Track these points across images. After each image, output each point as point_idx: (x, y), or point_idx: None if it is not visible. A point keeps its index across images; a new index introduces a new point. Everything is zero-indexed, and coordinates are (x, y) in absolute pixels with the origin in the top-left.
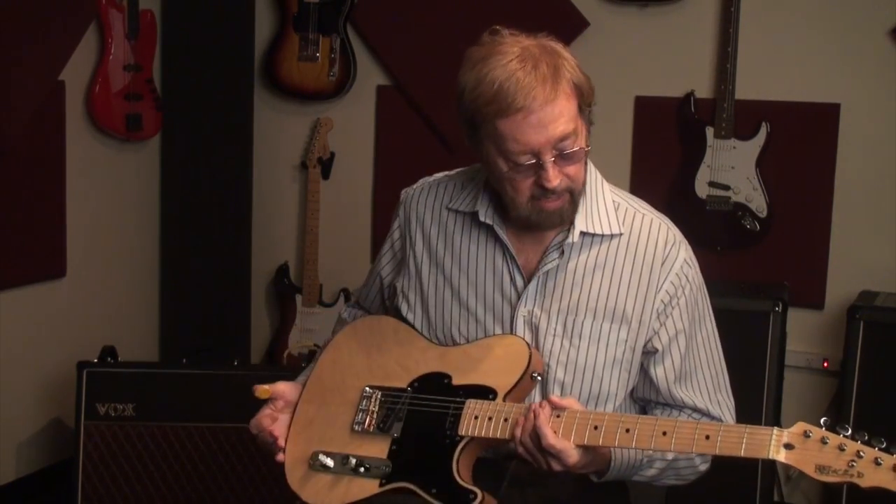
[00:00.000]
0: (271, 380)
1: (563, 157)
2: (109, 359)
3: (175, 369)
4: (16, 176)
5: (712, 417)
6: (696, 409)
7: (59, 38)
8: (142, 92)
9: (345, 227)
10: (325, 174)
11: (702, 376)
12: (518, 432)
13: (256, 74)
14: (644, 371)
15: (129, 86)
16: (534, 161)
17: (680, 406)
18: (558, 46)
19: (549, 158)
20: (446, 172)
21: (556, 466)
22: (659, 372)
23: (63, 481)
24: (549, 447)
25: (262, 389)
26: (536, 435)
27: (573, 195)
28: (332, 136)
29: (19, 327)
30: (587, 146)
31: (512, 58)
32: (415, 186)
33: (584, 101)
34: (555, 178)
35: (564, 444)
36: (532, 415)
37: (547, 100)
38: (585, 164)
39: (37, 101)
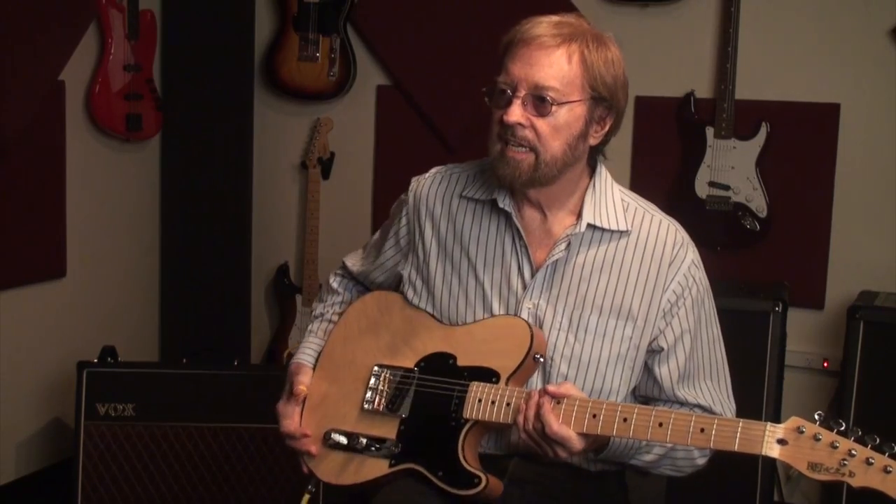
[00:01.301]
0: (270, 379)
1: (535, 105)
2: (109, 359)
3: (175, 369)
4: (16, 176)
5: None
6: (698, 407)
7: (59, 38)
8: (142, 92)
9: (345, 227)
10: (325, 174)
11: (705, 377)
12: (521, 420)
13: (256, 75)
14: (648, 370)
15: (129, 86)
16: (508, 92)
17: (682, 404)
18: (608, 40)
19: (519, 94)
20: (457, 164)
21: (562, 454)
22: (663, 371)
23: (63, 481)
24: (553, 435)
25: (301, 389)
26: (540, 423)
27: (538, 160)
28: (332, 136)
29: (19, 327)
30: (586, 132)
31: (555, 16)
32: (426, 175)
33: (595, 88)
34: (514, 115)
35: (568, 431)
36: (534, 403)
37: (545, 45)
38: (573, 149)
39: (37, 101)
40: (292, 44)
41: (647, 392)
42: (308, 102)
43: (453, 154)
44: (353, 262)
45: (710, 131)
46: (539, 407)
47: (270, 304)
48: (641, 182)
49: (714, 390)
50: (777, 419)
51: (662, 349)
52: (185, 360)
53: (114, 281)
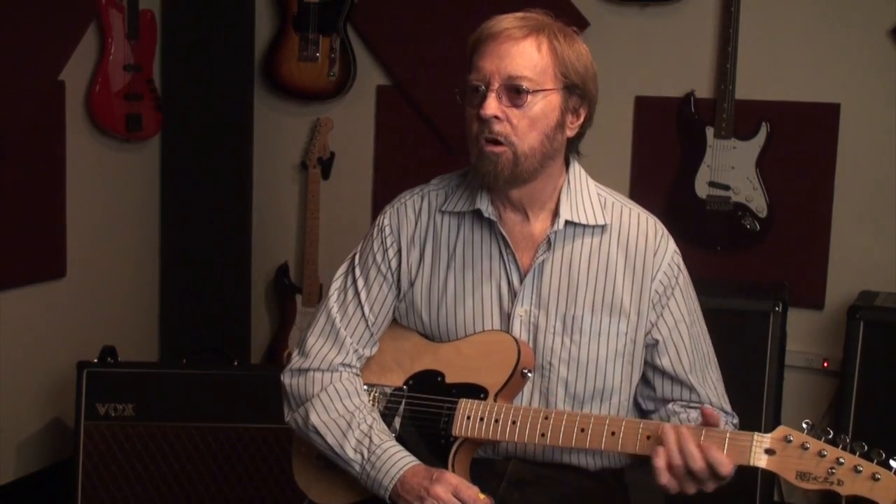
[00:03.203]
0: (270, 379)
1: (510, 96)
2: (109, 359)
3: (175, 369)
4: (16, 176)
5: (727, 414)
6: (709, 403)
7: (59, 38)
8: (142, 92)
9: (345, 227)
10: (325, 174)
11: (708, 367)
12: (689, 462)
13: (256, 74)
14: (651, 367)
15: (129, 86)
16: (482, 89)
17: (694, 400)
18: (574, 33)
19: (493, 87)
20: (424, 184)
21: (712, 486)
22: (665, 362)
23: (63, 481)
24: (729, 475)
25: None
26: (710, 464)
27: (516, 154)
28: (332, 136)
29: (19, 327)
30: (562, 122)
31: (520, 12)
32: (400, 201)
33: (567, 76)
34: (489, 108)
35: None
36: (705, 447)
37: (513, 37)
38: (551, 141)
39: (37, 101)
40: (292, 44)
41: (647, 403)
42: (308, 102)
43: (453, 154)
44: (345, 354)
45: (710, 131)
46: (707, 450)
47: (270, 304)
48: (641, 182)
49: (717, 380)
50: (777, 419)
51: (657, 341)
52: (185, 361)
53: (114, 281)
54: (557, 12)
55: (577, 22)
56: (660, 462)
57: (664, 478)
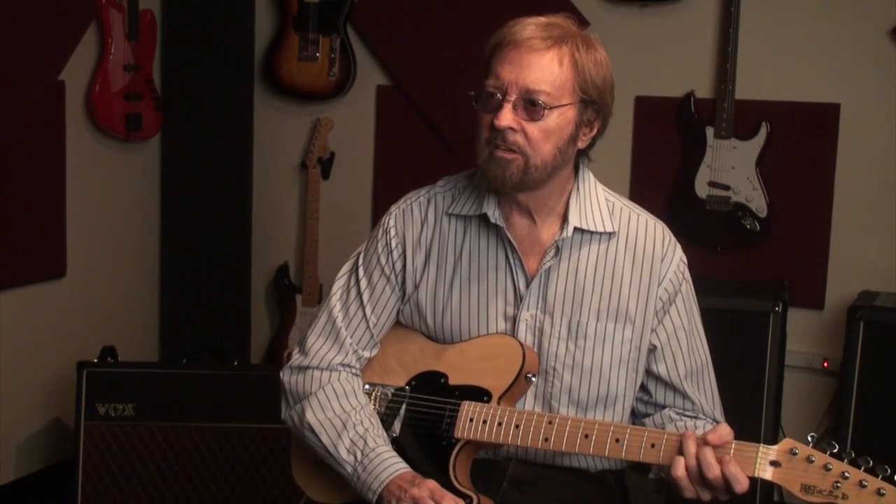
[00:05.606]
0: (270, 379)
1: (526, 109)
2: (109, 359)
3: (175, 369)
4: (16, 176)
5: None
6: (702, 412)
7: (59, 38)
8: (142, 92)
9: (345, 227)
10: (325, 174)
11: (704, 376)
12: (704, 470)
13: (256, 74)
14: (647, 372)
15: (129, 86)
16: (498, 96)
17: (688, 408)
18: (595, 42)
19: (510, 97)
20: (431, 185)
21: (725, 497)
22: (661, 368)
23: (63, 481)
24: (743, 491)
25: None
26: (728, 482)
27: (527, 164)
28: (332, 136)
29: (19, 327)
30: (575, 135)
31: (542, 17)
32: (407, 202)
33: (585, 91)
34: (504, 119)
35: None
36: (726, 463)
37: (535, 48)
38: (563, 153)
39: (37, 101)
40: (292, 44)
41: (644, 407)
42: (308, 102)
43: (453, 154)
44: (345, 354)
45: (710, 131)
46: (728, 464)
47: (270, 304)
48: (641, 182)
49: (710, 390)
50: (777, 419)
51: (655, 347)
52: (184, 360)
53: (114, 281)
54: (557, 12)
55: (577, 22)
56: (679, 470)
57: (682, 479)
